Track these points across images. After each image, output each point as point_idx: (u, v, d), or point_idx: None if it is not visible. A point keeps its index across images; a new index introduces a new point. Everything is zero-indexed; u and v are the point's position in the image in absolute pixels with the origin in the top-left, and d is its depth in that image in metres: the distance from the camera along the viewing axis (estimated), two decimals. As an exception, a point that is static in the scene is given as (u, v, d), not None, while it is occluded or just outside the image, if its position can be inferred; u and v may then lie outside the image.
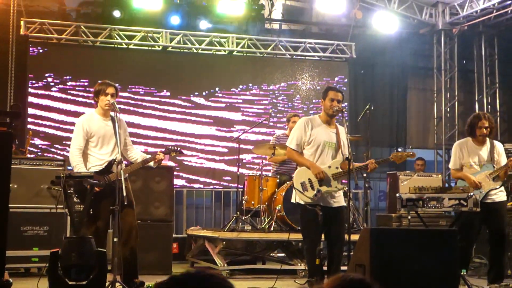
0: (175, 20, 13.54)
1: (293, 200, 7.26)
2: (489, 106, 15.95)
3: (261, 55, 14.34)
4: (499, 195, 8.02)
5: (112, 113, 7.30)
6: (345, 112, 7.33)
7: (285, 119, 11.56)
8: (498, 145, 8.18)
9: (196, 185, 13.45)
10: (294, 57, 14.42)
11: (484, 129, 8.00)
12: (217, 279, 2.26)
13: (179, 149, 7.76)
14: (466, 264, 7.97)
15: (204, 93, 13.64)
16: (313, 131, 7.15)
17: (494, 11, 14.48)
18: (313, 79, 14.32)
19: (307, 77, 14.32)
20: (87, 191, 6.79)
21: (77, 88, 12.87)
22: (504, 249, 8.06)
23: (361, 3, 14.45)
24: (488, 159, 8.04)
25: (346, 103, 13.33)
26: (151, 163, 7.55)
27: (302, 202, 7.00)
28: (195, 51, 13.93)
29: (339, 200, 7.19)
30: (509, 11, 14.26)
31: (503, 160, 8.12)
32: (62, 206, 7.91)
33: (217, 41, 13.95)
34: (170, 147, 7.80)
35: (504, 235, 8.04)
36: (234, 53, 14.03)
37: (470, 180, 7.94)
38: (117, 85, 7.51)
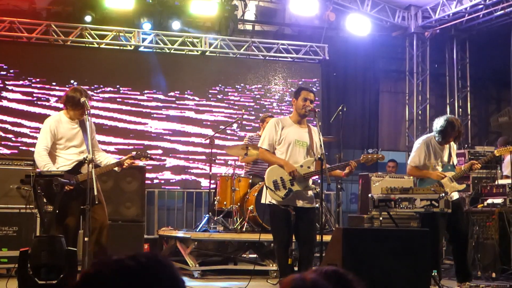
0: (146, 26, 13.39)
1: (263, 201, 7.21)
2: (460, 110, 16.07)
3: (234, 56, 14.29)
4: (453, 195, 8.10)
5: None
6: (318, 110, 7.31)
7: (257, 120, 11.52)
8: (454, 145, 8.32)
9: (168, 186, 13.36)
10: (267, 58, 14.38)
11: (453, 139, 8.12)
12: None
13: (149, 155, 7.71)
14: (437, 265, 8.00)
15: (176, 93, 13.55)
16: (283, 130, 7.14)
17: (466, 15, 14.56)
18: (286, 80, 14.30)
19: (280, 78, 14.30)
20: (56, 191, 6.71)
21: (46, 88, 12.72)
22: (466, 246, 8.18)
23: (334, 5, 14.47)
24: (447, 159, 8.16)
25: (318, 102, 13.40)
26: (116, 168, 7.50)
27: (274, 202, 6.96)
28: (167, 51, 13.84)
29: (310, 201, 7.17)
30: (481, 15, 14.37)
31: (454, 159, 8.35)
32: (32, 206, 7.81)
33: (189, 41, 13.87)
34: (139, 152, 7.75)
35: (466, 234, 8.20)
36: (207, 53, 13.97)
37: (434, 175, 8.00)
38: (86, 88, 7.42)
